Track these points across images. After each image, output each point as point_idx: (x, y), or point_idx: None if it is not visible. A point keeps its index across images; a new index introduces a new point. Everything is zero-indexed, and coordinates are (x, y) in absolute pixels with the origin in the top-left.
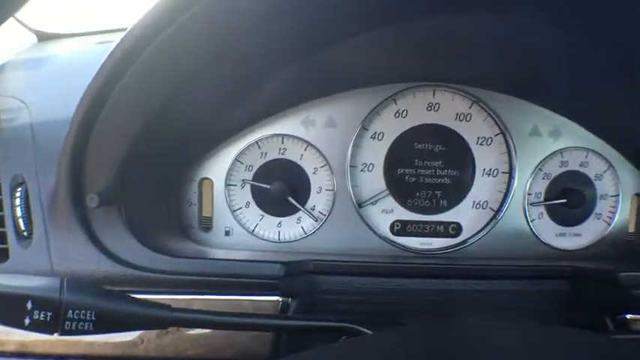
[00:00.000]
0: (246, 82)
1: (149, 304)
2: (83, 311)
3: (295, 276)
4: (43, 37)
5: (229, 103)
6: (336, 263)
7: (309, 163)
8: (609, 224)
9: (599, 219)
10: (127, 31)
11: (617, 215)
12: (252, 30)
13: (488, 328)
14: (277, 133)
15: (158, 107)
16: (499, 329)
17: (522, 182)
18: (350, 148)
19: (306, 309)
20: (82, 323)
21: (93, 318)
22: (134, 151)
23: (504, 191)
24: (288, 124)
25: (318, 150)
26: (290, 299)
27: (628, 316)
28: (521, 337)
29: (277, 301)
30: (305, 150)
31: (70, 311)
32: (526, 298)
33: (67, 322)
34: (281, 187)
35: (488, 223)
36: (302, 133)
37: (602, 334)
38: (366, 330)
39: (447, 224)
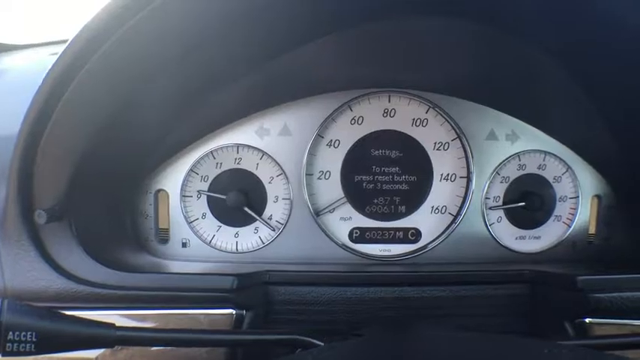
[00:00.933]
0: (198, 91)
1: (92, 323)
2: (24, 332)
3: (250, 288)
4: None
5: (182, 114)
6: (292, 273)
7: (264, 172)
8: (569, 226)
9: (558, 221)
10: (66, 45)
11: (577, 217)
12: (201, 39)
13: (442, 340)
14: (232, 142)
15: (105, 120)
16: (453, 340)
17: (480, 186)
18: (305, 156)
19: (262, 321)
20: (23, 344)
21: (34, 339)
22: (84, 165)
23: (463, 196)
24: (242, 134)
25: (273, 159)
26: (245, 311)
27: (587, 320)
28: (476, 349)
29: (231, 314)
30: (260, 159)
31: (11, 332)
32: (486, 303)
33: (7, 344)
34: (237, 197)
35: (447, 228)
36: (257, 142)
37: (553, 343)
38: (318, 342)
39: (406, 230)
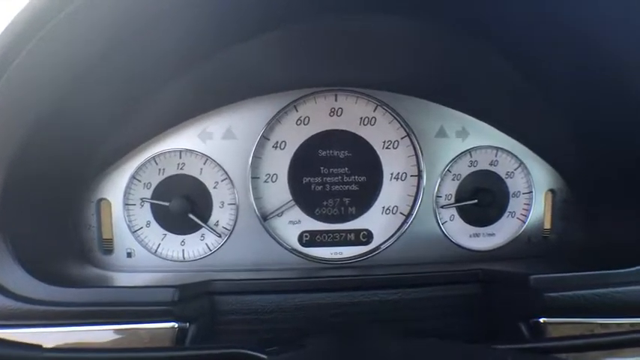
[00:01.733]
0: (133, 94)
1: (18, 345)
2: None
3: (193, 299)
4: None
5: (120, 118)
6: (238, 282)
7: (209, 177)
8: (524, 222)
9: (512, 217)
10: None
11: (531, 212)
12: (127, 36)
13: (384, 348)
14: (174, 147)
15: (35, 123)
16: (400, 348)
17: (431, 185)
18: (250, 159)
19: (209, 333)
20: None
21: None
22: (16, 173)
23: (414, 195)
24: (185, 138)
25: (217, 163)
26: (188, 324)
27: (542, 320)
28: (416, 356)
29: (173, 327)
30: (204, 164)
31: None
32: (439, 304)
33: None
34: (180, 204)
35: (399, 229)
36: (200, 146)
37: (500, 349)
38: (261, 355)
39: (357, 232)
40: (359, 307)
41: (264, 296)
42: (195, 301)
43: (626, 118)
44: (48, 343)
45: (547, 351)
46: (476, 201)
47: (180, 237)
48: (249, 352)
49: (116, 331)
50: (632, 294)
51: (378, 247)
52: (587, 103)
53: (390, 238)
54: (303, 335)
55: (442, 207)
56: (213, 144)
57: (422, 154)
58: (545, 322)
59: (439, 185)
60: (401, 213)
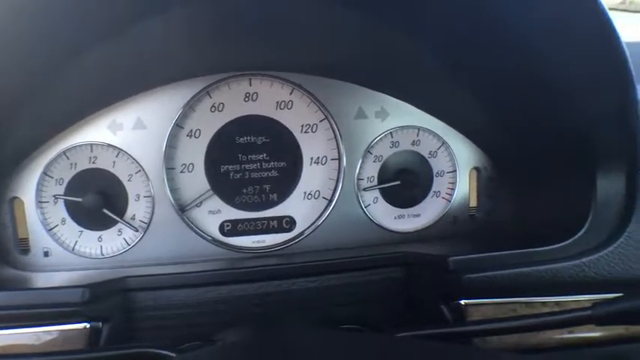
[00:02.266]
0: (35, 85)
1: None
2: None
3: (105, 297)
4: None
5: (23, 110)
6: (153, 277)
7: (122, 170)
8: (449, 201)
9: (437, 197)
10: None
11: (456, 191)
12: (28, 19)
13: (298, 342)
14: (84, 141)
15: None
16: (312, 341)
17: (353, 167)
18: (164, 149)
19: (124, 331)
20: None
21: None
22: None
23: (335, 179)
24: (95, 130)
25: (130, 155)
26: (101, 324)
27: (463, 302)
28: (329, 348)
29: (85, 328)
30: (117, 157)
31: None
32: (362, 290)
33: None
34: (94, 199)
35: (322, 214)
36: (111, 138)
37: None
38: (169, 353)
39: (279, 219)
40: (280, 297)
41: (182, 290)
42: (108, 299)
43: (544, 97)
44: None
45: (452, 336)
46: (399, 182)
47: (97, 233)
48: (156, 350)
49: (30, 334)
50: (556, 271)
51: (301, 234)
52: (505, 83)
53: (313, 224)
54: (220, 329)
55: (364, 190)
56: (124, 135)
57: (341, 137)
58: (466, 305)
59: (360, 168)
60: (323, 197)
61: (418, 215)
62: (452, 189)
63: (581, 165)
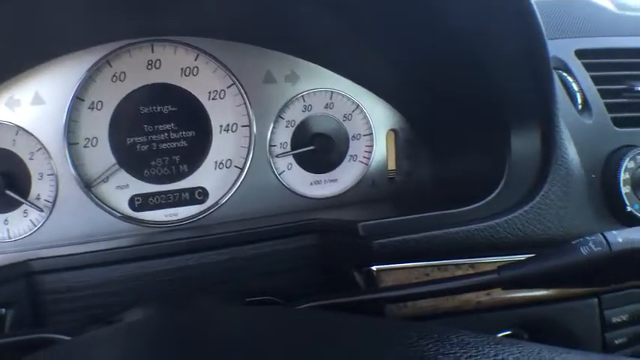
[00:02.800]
0: None
1: None
2: None
3: (5, 283)
4: None
5: None
6: (58, 258)
7: (23, 148)
8: (367, 165)
9: (354, 161)
10: None
11: (373, 154)
12: None
13: (195, 317)
14: None
15: None
16: (206, 317)
17: (264, 134)
18: (64, 123)
19: (30, 316)
20: None
21: None
22: None
23: (247, 146)
24: None
25: (29, 132)
26: (4, 310)
27: (374, 268)
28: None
29: None
30: (16, 135)
31: None
32: (276, 259)
33: None
34: None
35: (234, 183)
36: (9, 116)
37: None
38: (63, 337)
39: (191, 190)
40: (191, 272)
41: (90, 270)
42: (9, 284)
43: (456, 57)
44: None
45: (357, 304)
46: (313, 147)
47: (3, 216)
48: (53, 335)
49: None
50: (469, 233)
51: (214, 205)
52: (418, 46)
53: (226, 194)
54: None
55: (277, 156)
56: (22, 111)
57: (250, 103)
58: (378, 270)
59: (272, 134)
60: (235, 166)
61: (335, 180)
62: (369, 152)
63: (496, 124)
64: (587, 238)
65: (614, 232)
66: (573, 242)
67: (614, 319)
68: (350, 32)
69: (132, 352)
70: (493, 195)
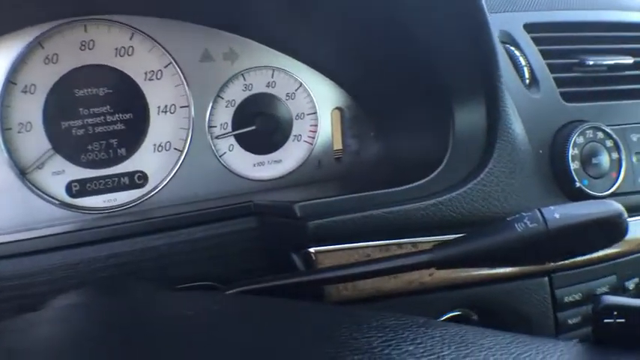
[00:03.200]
0: None
1: None
2: None
3: None
4: None
5: None
6: None
7: None
8: (312, 145)
9: (299, 141)
10: None
11: (318, 134)
12: None
13: (120, 305)
14: None
15: None
16: (131, 303)
17: (203, 115)
18: None
19: None
20: None
21: None
22: None
23: (186, 127)
24: None
25: None
26: None
27: (312, 250)
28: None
29: None
30: None
31: None
32: (215, 243)
33: None
34: None
35: (174, 166)
36: None
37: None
38: None
39: (131, 174)
40: (128, 257)
41: (23, 259)
42: None
43: (398, 33)
44: None
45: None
46: (255, 127)
47: None
48: None
49: None
50: (410, 212)
51: (154, 189)
52: (360, 23)
53: (165, 178)
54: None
55: (218, 137)
56: None
57: (187, 83)
58: (316, 252)
59: (212, 114)
60: (175, 149)
61: (280, 161)
62: (314, 132)
63: (439, 99)
64: (524, 214)
65: (551, 207)
66: (509, 219)
67: (566, 299)
68: (288, 7)
69: (52, 338)
70: (435, 173)
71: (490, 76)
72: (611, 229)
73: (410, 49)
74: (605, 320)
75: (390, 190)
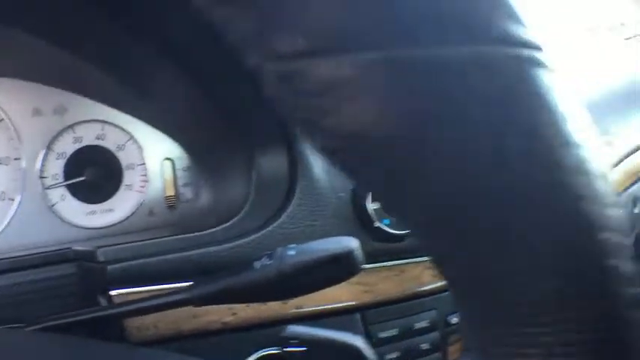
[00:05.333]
0: None
1: None
2: None
3: None
4: None
5: None
6: None
7: None
8: (143, 193)
9: (130, 190)
10: None
11: (149, 184)
12: None
13: None
14: None
15: None
16: None
17: (34, 167)
18: None
19: None
20: None
21: None
22: None
23: (19, 179)
24: None
25: None
26: None
27: (113, 293)
28: None
29: None
30: None
31: None
32: (34, 288)
33: None
34: None
35: (7, 215)
36: None
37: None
38: None
39: None
40: None
41: None
42: None
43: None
44: None
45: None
46: (84, 178)
47: None
48: None
49: None
50: (212, 255)
51: None
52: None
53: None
54: None
55: (48, 188)
56: None
57: (19, 137)
58: (118, 294)
59: (43, 166)
60: (9, 199)
61: (112, 210)
62: (145, 181)
63: (246, 146)
64: (269, 252)
65: (293, 245)
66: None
67: (382, 334)
68: (120, 82)
69: None
70: (238, 217)
71: (287, 122)
72: (346, 264)
73: (229, 100)
74: (288, 349)
75: (193, 234)
